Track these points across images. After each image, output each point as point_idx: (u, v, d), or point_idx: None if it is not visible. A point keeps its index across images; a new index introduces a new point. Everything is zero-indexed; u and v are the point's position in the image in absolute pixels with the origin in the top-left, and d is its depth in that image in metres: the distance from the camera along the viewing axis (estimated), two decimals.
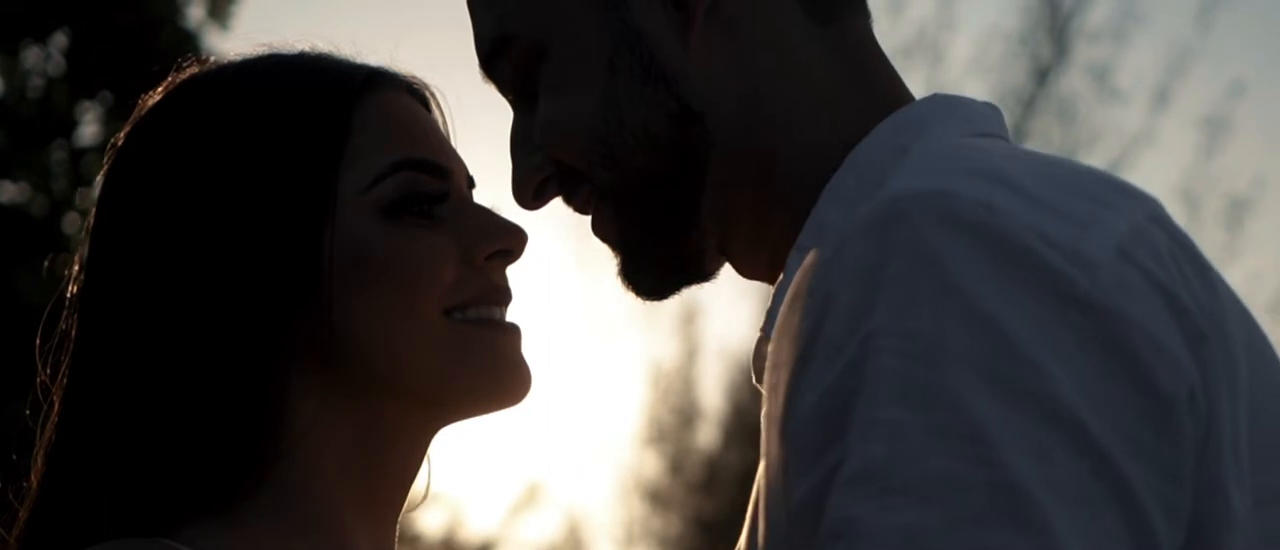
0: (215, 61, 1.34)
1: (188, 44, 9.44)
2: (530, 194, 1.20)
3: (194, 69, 1.33)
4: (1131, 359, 0.87)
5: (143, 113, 1.31)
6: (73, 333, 1.28)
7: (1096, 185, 0.97)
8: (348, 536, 1.28)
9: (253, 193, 1.24)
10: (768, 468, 0.92)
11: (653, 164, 1.13)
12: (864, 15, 1.18)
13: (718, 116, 1.12)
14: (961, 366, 0.84)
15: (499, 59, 1.18)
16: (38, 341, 1.30)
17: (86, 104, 9.74)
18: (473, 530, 16.08)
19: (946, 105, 1.14)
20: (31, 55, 9.81)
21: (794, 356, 0.90)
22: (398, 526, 1.34)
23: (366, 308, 1.25)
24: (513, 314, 1.33)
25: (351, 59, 1.34)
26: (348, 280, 1.25)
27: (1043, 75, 15.49)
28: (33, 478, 1.26)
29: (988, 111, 1.16)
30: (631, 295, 1.19)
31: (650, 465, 17.08)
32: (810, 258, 0.93)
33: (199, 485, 1.21)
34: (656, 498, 17.09)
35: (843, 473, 0.85)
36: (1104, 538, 0.83)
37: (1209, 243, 15.24)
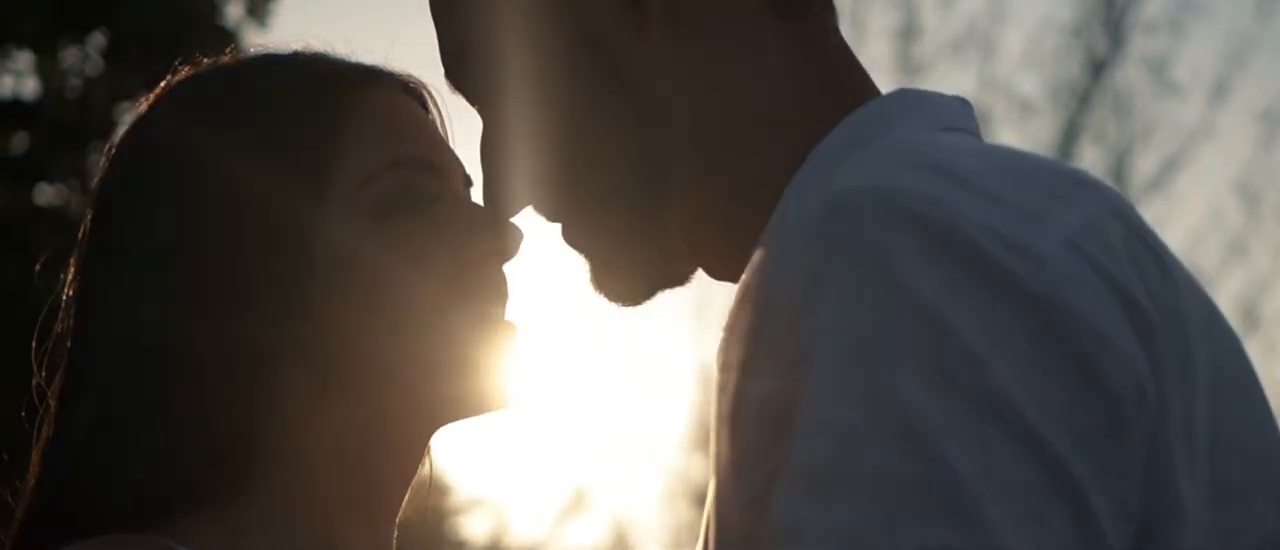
0: (208, 62, 1.36)
1: (226, 43, 9.50)
2: (477, 207, 1.22)
3: (186, 70, 1.35)
4: (1078, 353, 0.87)
5: (136, 115, 1.33)
6: (68, 335, 1.30)
7: (1054, 179, 0.98)
8: (343, 537, 1.29)
9: (243, 192, 1.26)
10: (717, 469, 0.93)
11: (616, 168, 1.14)
12: (829, 10, 1.18)
13: (681, 117, 1.13)
14: (904, 363, 0.85)
15: (462, 67, 1.20)
16: (34, 343, 1.32)
17: (125, 105, 9.82)
18: (519, 537, 16.13)
19: (911, 100, 1.14)
20: (70, 56, 9.91)
21: (740, 356, 0.91)
22: (396, 528, 1.35)
23: (359, 307, 1.27)
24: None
25: (346, 57, 1.36)
26: (341, 279, 1.26)
27: (1098, 69, 15.40)
28: (30, 477, 1.28)
29: (956, 106, 1.16)
30: (605, 302, 1.19)
31: (698, 469, 17.06)
32: (757, 255, 0.94)
33: (192, 484, 1.23)
34: (705, 502, 17.06)
35: (786, 471, 0.86)
36: (1046, 533, 0.83)
37: (1268, 239, 15.13)
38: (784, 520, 0.85)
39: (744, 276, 0.95)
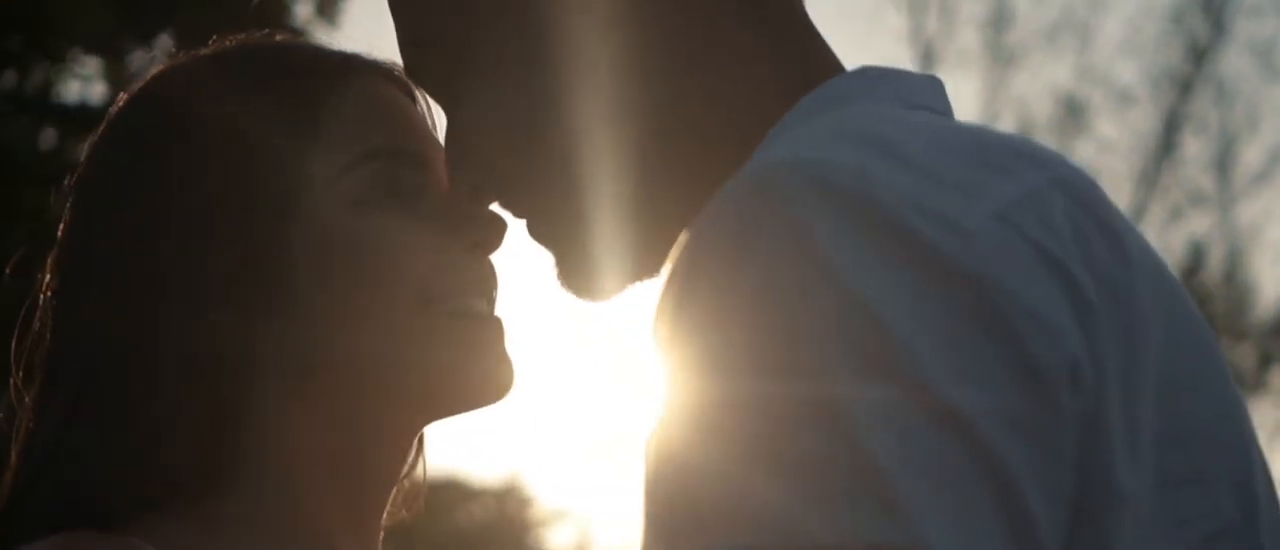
0: (188, 54, 1.37)
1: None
2: (461, 198, 1.22)
3: (164, 64, 1.36)
4: (1005, 331, 0.86)
5: (112, 111, 1.34)
6: (45, 333, 1.31)
7: (1001, 153, 0.96)
8: (325, 538, 1.30)
9: (220, 183, 1.27)
10: (648, 454, 0.92)
11: (577, 159, 1.13)
12: None
13: (641, 104, 1.12)
14: (825, 343, 0.84)
15: (422, 63, 1.20)
16: (14, 343, 1.34)
17: None
18: (603, 548, 16.14)
19: (872, 77, 1.13)
20: (136, 58, 10.04)
21: (666, 337, 0.90)
22: (382, 527, 1.35)
23: (337, 301, 1.27)
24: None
25: (330, 47, 1.37)
26: (318, 272, 1.27)
27: (1200, 55, 15.22)
28: (8, 477, 1.29)
29: (923, 84, 1.14)
30: (574, 297, 1.19)
31: None
32: (684, 233, 0.93)
33: (165, 483, 1.24)
34: None
35: (703, 452, 0.85)
36: (969, 516, 0.82)
37: None
38: (703, 506, 0.84)
39: (671, 255, 0.94)
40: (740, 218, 0.89)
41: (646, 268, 1.17)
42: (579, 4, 1.12)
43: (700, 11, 1.13)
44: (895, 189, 0.88)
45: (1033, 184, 0.93)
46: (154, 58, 10.09)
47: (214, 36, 1.40)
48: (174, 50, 9.91)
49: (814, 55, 1.16)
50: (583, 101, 1.12)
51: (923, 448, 0.82)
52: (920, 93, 1.12)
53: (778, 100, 1.10)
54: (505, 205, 1.22)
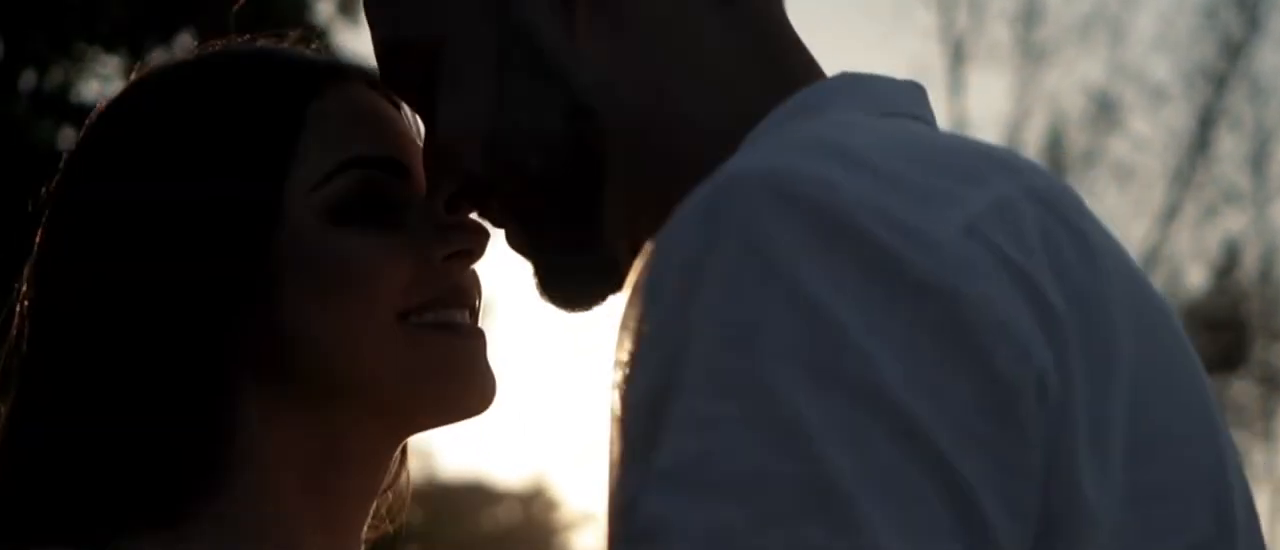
0: (168, 58, 1.36)
1: (317, 42, 9.64)
2: (442, 207, 1.21)
3: (147, 68, 1.35)
4: (969, 344, 0.85)
5: (92, 116, 1.34)
6: (22, 342, 1.31)
7: (968, 161, 0.95)
8: (305, 547, 1.29)
9: (197, 192, 1.26)
10: (610, 467, 0.91)
11: (549, 166, 1.12)
12: None
13: (613, 110, 1.11)
14: (783, 356, 0.83)
15: (396, 64, 1.19)
16: None
17: None
18: None
19: (851, 84, 1.12)
20: (157, 57, 10.09)
21: (627, 350, 0.89)
22: (363, 540, 1.35)
23: (316, 312, 1.26)
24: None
25: (312, 54, 1.36)
26: (297, 284, 1.26)
27: (1235, 51, 15.15)
28: None
29: (903, 90, 1.13)
30: (552, 308, 1.18)
31: None
32: (649, 244, 0.92)
33: (143, 497, 1.23)
34: None
35: (655, 469, 0.84)
36: (927, 534, 0.81)
37: None
38: (650, 521, 0.83)
39: (635, 267, 0.93)
40: (702, 228, 0.88)
41: (622, 278, 1.16)
42: (548, 6, 1.11)
43: (674, 16, 1.12)
44: (861, 200, 0.87)
45: (1002, 193, 0.91)
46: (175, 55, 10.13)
47: (219, 39, 1.40)
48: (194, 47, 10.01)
49: (795, 62, 1.15)
50: (549, 102, 1.12)
51: (880, 462, 0.81)
52: (898, 99, 1.11)
53: (757, 107, 1.09)
54: (484, 214, 1.21)
